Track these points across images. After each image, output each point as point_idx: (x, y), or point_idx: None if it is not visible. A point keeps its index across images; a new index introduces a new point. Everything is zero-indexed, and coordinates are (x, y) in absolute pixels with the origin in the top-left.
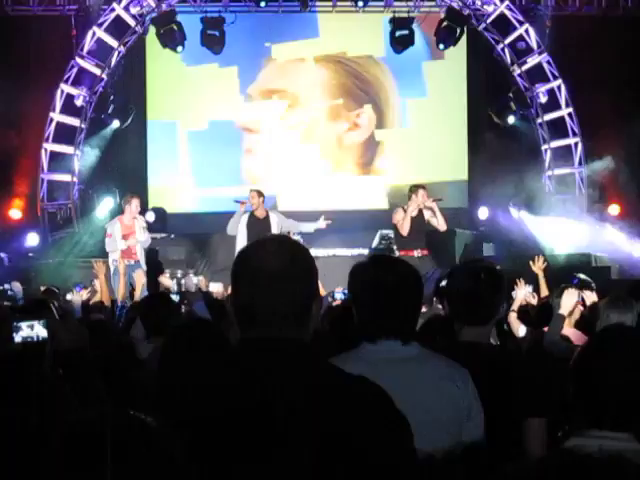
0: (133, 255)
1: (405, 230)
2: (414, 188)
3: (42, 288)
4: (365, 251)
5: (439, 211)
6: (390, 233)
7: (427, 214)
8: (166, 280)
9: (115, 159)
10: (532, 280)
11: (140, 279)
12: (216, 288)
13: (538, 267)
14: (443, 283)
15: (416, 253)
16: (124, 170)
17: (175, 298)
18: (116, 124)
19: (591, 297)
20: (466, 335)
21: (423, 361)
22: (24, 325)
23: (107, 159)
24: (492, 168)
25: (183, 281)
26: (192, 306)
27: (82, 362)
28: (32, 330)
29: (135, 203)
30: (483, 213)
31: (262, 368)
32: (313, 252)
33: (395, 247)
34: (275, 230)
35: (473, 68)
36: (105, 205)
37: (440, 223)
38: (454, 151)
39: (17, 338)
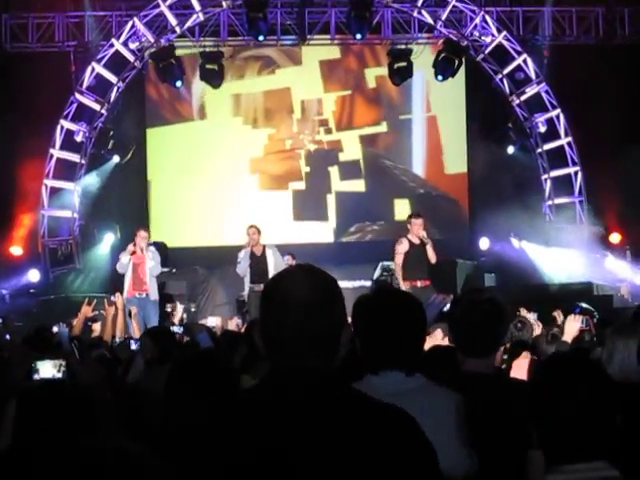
0: (144, 287)
1: (399, 260)
2: (409, 217)
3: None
4: (367, 283)
5: (430, 243)
6: (391, 264)
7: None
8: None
9: (115, 194)
10: (534, 309)
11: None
12: (213, 322)
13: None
14: (446, 309)
15: (419, 284)
16: (125, 205)
17: (178, 329)
18: (116, 159)
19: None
20: (469, 366)
21: (428, 393)
22: (44, 364)
23: (107, 195)
24: (492, 198)
25: (185, 315)
26: (195, 337)
27: (100, 398)
28: (53, 369)
29: (142, 235)
30: (484, 244)
31: (289, 404)
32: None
33: (397, 278)
34: (270, 265)
35: (471, 98)
36: (106, 241)
37: (430, 255)
38: (454, 180)
39: (36, 376)
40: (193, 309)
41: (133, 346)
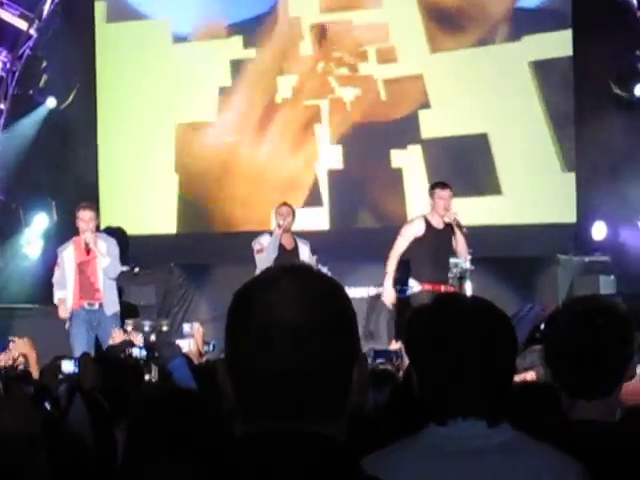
0: (96, 295)
1: (398, 247)
2: (432, 188)
3: None
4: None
5: (460, 229)
6: (462, 262)
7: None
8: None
9: (50, 157)
10: None
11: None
12: (187, 345)
13: None
14: (542, 328)
15: (443, 288)
16: (63, 173)
17: (138, 353)
18: (51, 104)
19: None
20: (581, 411)
21: (519, 452)
22: None
23: (38, 157)
24: (611, 166)
25: (153, 336)
26: (167, 366)
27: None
28: None
29: (89, 215)
30: (599, 231)
31: None
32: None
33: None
34: None
35: (580, 20)
36: (37, 225)
37: (459, 245)
38: (556, 143)
39: None
40: (165, 327)
41: (69, 367)
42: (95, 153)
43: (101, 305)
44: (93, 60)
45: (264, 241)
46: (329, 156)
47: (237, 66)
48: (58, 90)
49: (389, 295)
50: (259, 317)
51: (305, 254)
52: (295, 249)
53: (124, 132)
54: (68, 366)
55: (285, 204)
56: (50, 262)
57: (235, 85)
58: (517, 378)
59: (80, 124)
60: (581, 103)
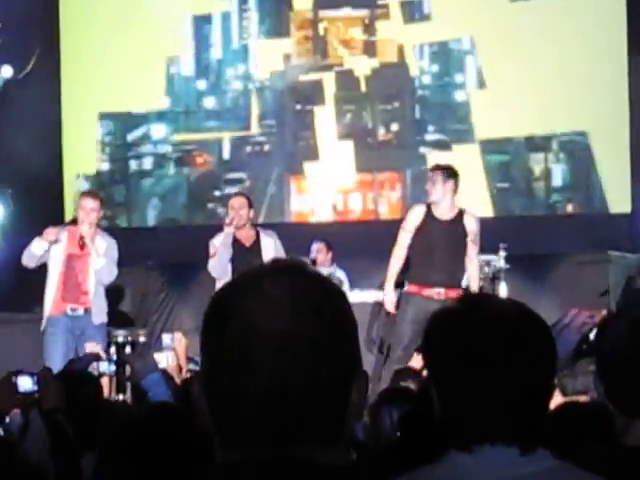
0: (82, 299)
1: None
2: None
3: None
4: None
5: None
6: (495, 259)
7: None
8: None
9: (6, 134)
10: None
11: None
12: (165, 359)
13: None
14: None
15: (436, 290)
16: (22, 155)
17: (107, 368)
18: (7, 72)
19: None
20: (639, 435)
21: None
22: None
23: None
24: None
25: (128, 349)
26: (140, 382)
27: None
28: None
29: (91, 204)
30: None
31: None
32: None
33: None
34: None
35: None
36: None
37: (469, 249)
38: (605, 116)
39: None
40: (142, 338)
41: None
42: (59, 130)
43: (87, 311)
44: (57, 20)
45: (216, 240)
46: None
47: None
48: (15, 56)
49: (389, 300)
50: (236, 326)
51: (269, 249)
52: (256, 244)
53: (92, 105)
54: (26, 383)
55: (238, 194)
56: (5, 261)
57: None
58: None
59: (40, 95)
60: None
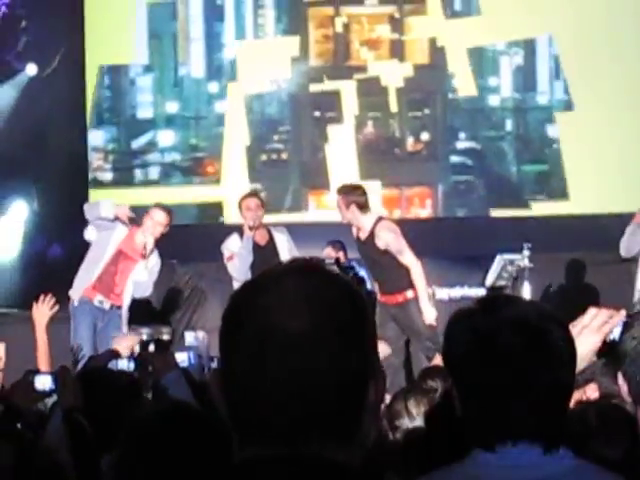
0: (112, 295)
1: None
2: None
3: None
4: (473, 291)
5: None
6: (516, 257)
7: None
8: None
9: (31, 133)
10: None
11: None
12: (186, 358)
13: None
14: (612, 337)
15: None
16: (48, 154)
17: (127, 366)
18: (32, 71)
19: None
20: None
21: None
22: None
23: (16, 133)
24: None
25: (151, 347)
26: (160, 381)
27: None
28: None
29: (159, 217)
30: None
31: None
32: None
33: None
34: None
35: None
36: (15, 215)
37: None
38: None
39: None
40: (166, 336)
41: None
42: (84, 129)
43: (112, 307)
44: (82, 19)
45: (233, 246)
46: None
47: None
48: (40, 55)
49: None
50: (252, 325)
51: (283, 246)
52: (270, 242)
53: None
54: (44, 382)
55: (251, 195)
56: (30, 260)
57: None
58: (577, 394)
59: (66, 94)
60: None
